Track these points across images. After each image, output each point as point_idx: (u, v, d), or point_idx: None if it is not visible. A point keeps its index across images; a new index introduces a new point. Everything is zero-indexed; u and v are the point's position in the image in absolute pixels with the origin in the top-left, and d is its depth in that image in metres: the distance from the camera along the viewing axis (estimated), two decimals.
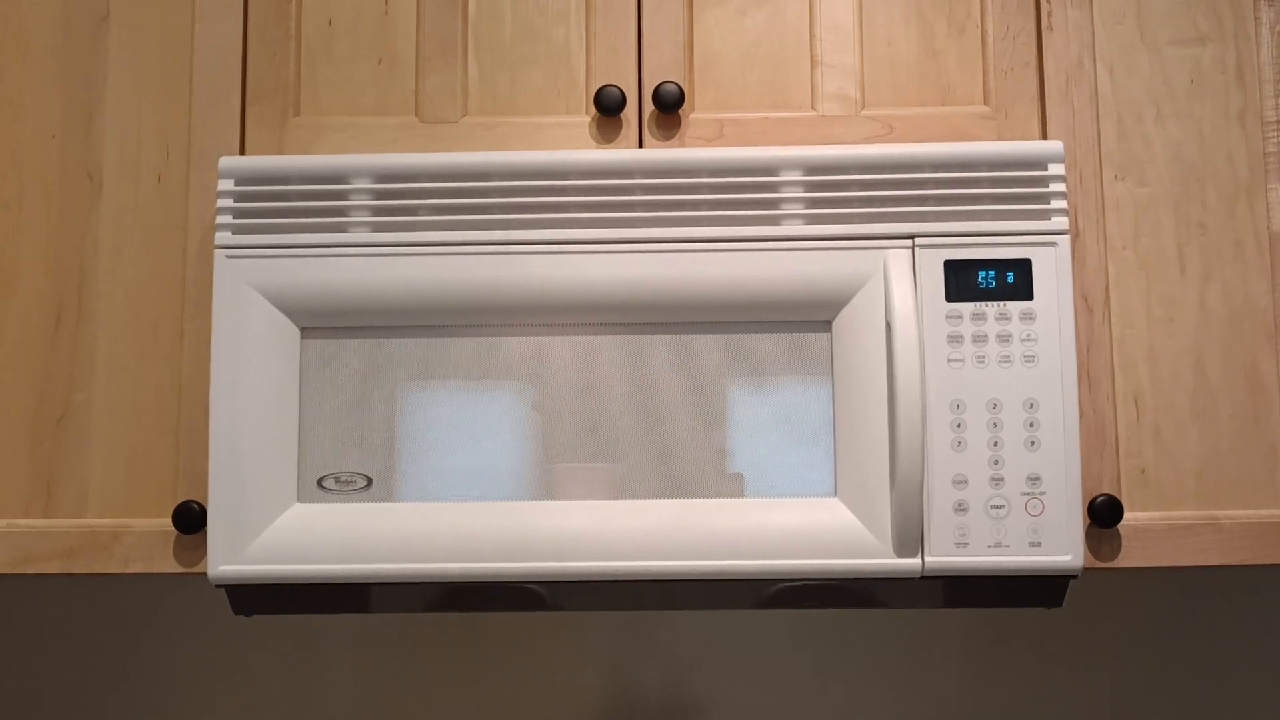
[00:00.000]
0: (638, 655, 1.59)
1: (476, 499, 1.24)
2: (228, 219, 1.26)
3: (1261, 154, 1.33)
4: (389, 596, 1.28)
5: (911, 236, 1.25)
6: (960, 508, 1.21)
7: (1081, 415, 1.28)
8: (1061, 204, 1.25)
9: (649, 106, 1.34)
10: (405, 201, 1.26)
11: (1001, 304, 1.23)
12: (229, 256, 1.26)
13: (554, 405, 1.24)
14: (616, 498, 1.23)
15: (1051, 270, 1.24)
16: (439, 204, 1.26)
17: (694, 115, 1.35)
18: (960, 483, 1.21)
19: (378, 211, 1.26)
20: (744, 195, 1.26)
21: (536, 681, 1.59)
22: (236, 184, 1.27)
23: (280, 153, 1.34)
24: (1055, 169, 1.25)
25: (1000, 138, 1.33)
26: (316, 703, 1.59)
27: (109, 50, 1.37)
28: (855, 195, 1.25)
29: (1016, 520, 1.21)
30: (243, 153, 1.34)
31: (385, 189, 1.27)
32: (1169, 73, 1.35)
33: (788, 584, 1.26)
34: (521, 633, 1.60)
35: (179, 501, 1.28)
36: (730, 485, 1.23)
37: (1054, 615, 1.58)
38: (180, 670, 1.60)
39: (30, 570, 1.28)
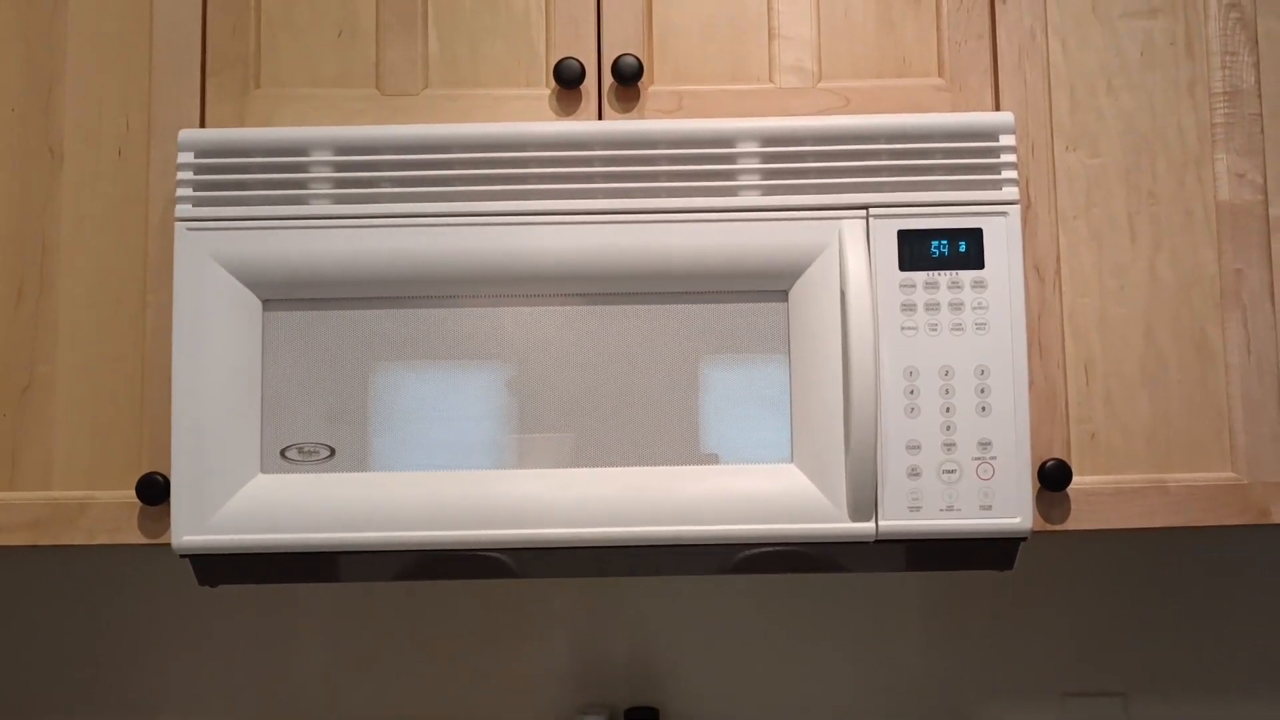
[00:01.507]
0: (606, 623, 1.61)
1: (440, 468, 1.25)
2: (188, 191, 1.27)
3: (1209, 125, 1.35)
4: (354, 566, 1.29)
5: (866, 207, 1.27)
6: (913, 472, 1.24)
7: (1032, 382, 1.31)
8: (1012, 174, 1.27)
9: (608, 79, 1.36)
10: (366, 174, 1.27)
11: (954, 273, 1.26)
12: (190, 229, 1.26)
13: (516, 375, 1.26)
14: (578, 465, 1.25)
15: (1003, 240, 1.26)
16: (400, 176, 1.27)
17: (653, 88, 1.36)
18: (913, 448, 1.24)
19: (339, 184, 1.27)
20: (702, 166, 1.27)
21: (506, 650, 1.61)
22: (196, 156, 1.27)
23: (241, 125, 1.35)
24: (1006, 140, 1.27)
25: (955, 109, 1.35)
26: (285, 672, 1.61)
27: (68, 23, 1.36)
28: (811, 166, 1.27)
29: (968, 484, 1.24)
30: (203, 125, 1.35)
31: (346, 161, 1.27)
32: (1120, 45, 1.37)
33: (748, 549, 1.28)
34: (491, 602, 1.62)
35: (143, 473, 1.29)
36: (690, 452, 1.25)
37: (1010, 578, 1.61)
38: (148, 642, 1.61)
39: None
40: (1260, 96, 1.35)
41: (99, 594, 1.61)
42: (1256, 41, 1.36)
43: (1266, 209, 1.34)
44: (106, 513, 1.30)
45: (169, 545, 1.28)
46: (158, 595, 1.61)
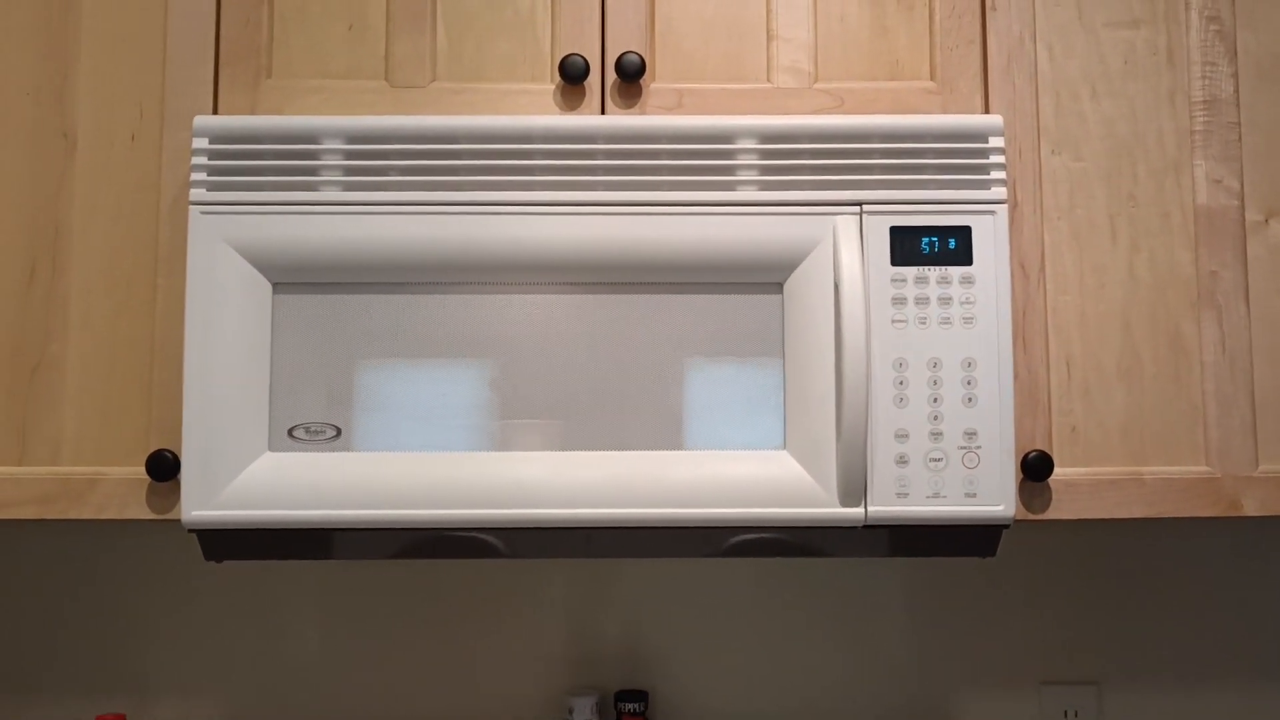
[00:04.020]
0: (598, 607, 1.65)
1: (441, 450, 1.29)
2: (202, 176, 1.30)
3: (1189, 132, 1.41)
4: (356, 543, 1.33)
5: (859, 203, 1.31)
6: (901, 460, 1.28)
7: (1016, 375, 1.36)
8: (1000, 175, 1.32)
9: (611, 76, 1.40)
10: (375, 162, 1.31)
11: (943, 269, 1.31)
12: (203, 212, 1.29)
13: (516, 360, 1.29)
14: (575, 449, 1.29)
15: (990, 237, 1.31)
16: (408, 165, 1.31)
17: (655, 85, 1.41)
18: (901, 436, 1.29)
19: (349, 171, 1.31)
20: (701, 161, 1.32)
21: (499, 632, 1.64)
22: (211, 142, 1.31)
23: (253, 114, 1.38)
24: (995, 141, 1.32)
25: (945, 112, 1.40)
26: (280, 651, 1.64)
27: (85, 10, 1.40)
28: (807, 163, 1.32)
29: (954, 472, 1.28)
30: (215, 113, 1.38)
31: (356, 149, 1.31)
32: (1104, 53, 1.42)
33: (738, 534, 1.32)
34: (485, 585, 1.65)
35: (152, 450, 1.32)
36: (684, 438, 1.29)
37: (989, 568, 1.66)
38: (146, 618, 1.63)
39: (4, 516, 1.32)
40: (1238, 106, 1.41)
41: (105, 570, 1.64)
42: (1235, 53, 1.41)
43: (1242, 213, 1.40)
44: (116, 489, 1.33)
45: (176, 521, 1.31)
46: (162, 572, 1.64)
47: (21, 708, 1.62)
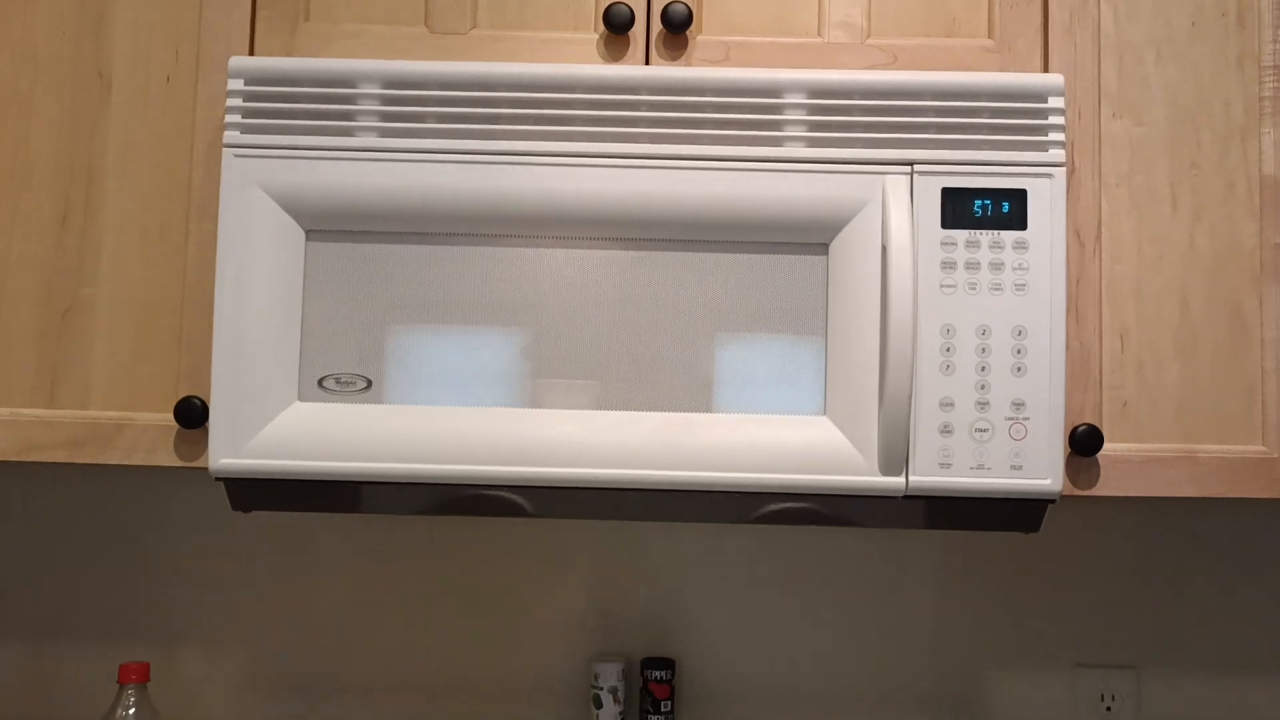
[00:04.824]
0: (625, 574, 1.63)
1: (473, 405, 1.26)
2: (236, 119, 1.28)
3: (1257, 98, 1.35)
4: (383, 497, 1.31)
5: (910, 163, 1.27)
6: (945, 429, 1.24)
7: (1068, 346, 1.31)
8: (1059, 137, 1.27)
9: (657, 26, 1.36)
10: (413, 108, 1.28)
11: (995, 233, 1.26)
12: (237, 156, 1.27)
13: (551, 316, 1.26)
14: (607, 408, 1.26)
15: (1046, 202, 1.26)
16: (446, 112, 1.28)
17: (701, 37, 1.36)
18: (947, 405, 1.25)
19: (385, 117, 1.28)
20: (748, 116, 1.28)
21: (525, 598, 1.63)
22: (246, 84, 1.28)
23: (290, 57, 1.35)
24: (1055, 102, 1.27)
25: (1003, 71, 1.35)
26: (304, 611, 1.63)
27: None
28: (857, 120, 1.27)
29: (999, 443, 1.24)
30: (252, 56, 1.35)
31: (393, 95, 1.28)
32: (1170, 15, 1.36)
33: (774, 500, 1.29)
34: (512, 550, 1.63)
35: (181, 397, 1.30)
36: (721, 401, 1.26)
37: (1027, 546, 1.62)
38: (178, 566, 1.63)
39: (34, 458, 1.31)
40: None
41: (133, 516, 1.63)
42: None
43: None
44: (144, 434, 1.31)
45: (203, 469, 1.29)
46: (186, 523, 1.63)
47: (46, 654, 1.62)
